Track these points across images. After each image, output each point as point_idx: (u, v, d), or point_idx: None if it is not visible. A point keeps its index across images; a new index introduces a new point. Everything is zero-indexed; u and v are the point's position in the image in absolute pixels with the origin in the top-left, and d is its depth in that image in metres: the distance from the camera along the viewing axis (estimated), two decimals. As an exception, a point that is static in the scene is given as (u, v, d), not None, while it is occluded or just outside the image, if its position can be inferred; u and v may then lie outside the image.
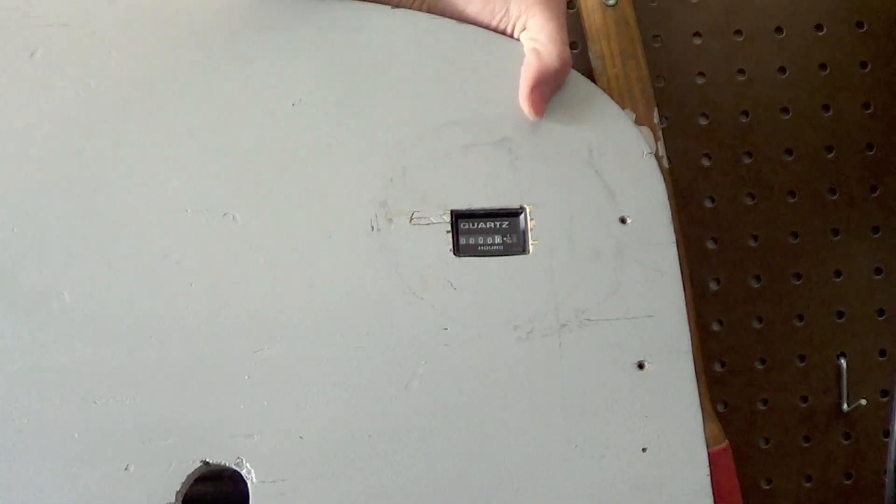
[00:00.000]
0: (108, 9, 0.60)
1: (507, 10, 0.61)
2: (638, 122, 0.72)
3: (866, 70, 0.85)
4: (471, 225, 0.60)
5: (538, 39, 0.61)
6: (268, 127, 0.60)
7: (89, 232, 0.58)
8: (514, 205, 0.60)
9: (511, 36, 0.63)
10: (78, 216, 0.58)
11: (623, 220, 0.61)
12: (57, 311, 0.57)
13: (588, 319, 0.59)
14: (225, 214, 0.59)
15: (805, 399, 0.83)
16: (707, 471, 0.59)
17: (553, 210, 0.60)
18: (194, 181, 0.59)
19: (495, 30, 0.63)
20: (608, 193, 0.61)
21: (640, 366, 0.60)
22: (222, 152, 0.59)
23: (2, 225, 0.57)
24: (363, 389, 0.58)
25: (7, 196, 0.57)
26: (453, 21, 0.62)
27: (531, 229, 0.60)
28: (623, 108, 0.69)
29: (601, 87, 0.67)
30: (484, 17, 0.62)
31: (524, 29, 0.62)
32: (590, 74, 0.71)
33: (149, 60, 0.59)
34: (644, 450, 0.59)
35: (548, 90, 0.61)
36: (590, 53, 0.73)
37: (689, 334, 0.60)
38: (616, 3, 0.73)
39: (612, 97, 0.66)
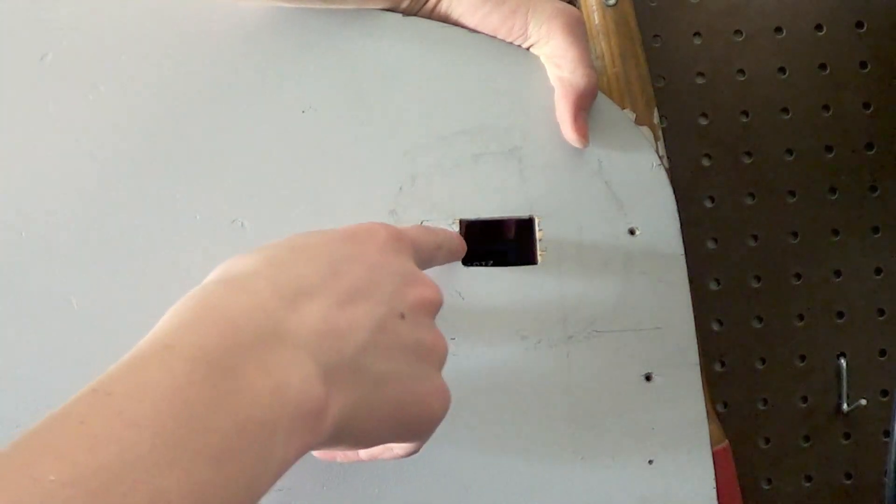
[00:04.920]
0: (119, 13, 0.59)
1: (526, 31, 0.60)
2: (638, 122, 0.72)
3: (866, 70, 0.85)
4: (480, 234, 0.61)
5: (562, 65, 0.60)
6: (277, 133, 0.59)
7: (97, 238, 0.57)
8: (524, 215, 0.60)
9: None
10: (86, 221, 0.57)
11: (632, 232, 0.61)
12: (64, 317, 0.56)
13: (596, 331, 0.59)
14: (233, 221, 0.58)
15: (805, 399, 0.84)
16: (713, 483, 0.59)
17: (562, 220, 0.60)
18: (203, 187, 0.58)
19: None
20: (617, 204, 0.61)
21: (648, 378, 0.60)
22: (231, 158, 0.59)
23: (10, 230, 0.56)
24: (370, 398, 0.58)
25: (15, 200, 0.57)
26: (464, 30, 0.61)
27: (540, 240, 0.60)
28: (623, 108, 0.70)
29: (601, 87, 0.67)
30: (500, 35, 0.61)
31: (543, 51, 0.61)
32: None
33: (159, 65, 0.59)
34: (651, 462, 0.59)
35: (587, 115, 0.61)
36: (590, 53, 0.73)
37: (696, 346, 0.60)
38: (616, 3, 0.73)
39: (612, 97, 0.66)
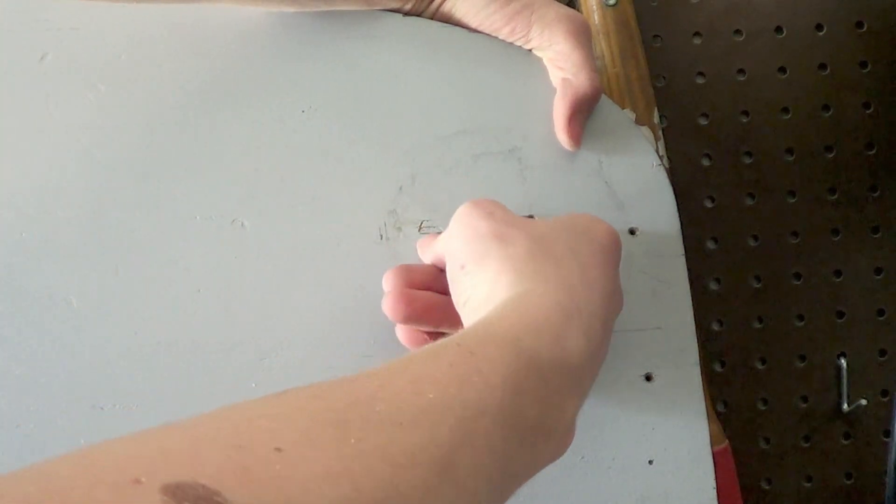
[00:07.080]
0: (118, 13, 0.59)
1: (528, 33, 0.60)
2: (638, 122, 0.72)
3: (866, 70, 0.85)
4: (479, 234, 0.60)
5: (565, 68, 0.60)
6: (277, 133, 0.59)
7: (97, 237, 0.57)
8: (524, 215, 0.60)
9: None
10: (86, 221, 0.57)
11: (632, 232, 0.61)
12: (64, 316, 0.56)
13: (596, 330, 0.59)
14: (233, 221, 0.58)
15: (805, 399, 0.84)
16: (713, 483, 0.59)
17: (562, 221, 0.60)
18: (203, 187, 0.58)
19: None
20: (617, 204, 0.61)
21: (648, 378, 0.60)
22: (231, 158, 0.59)
23: (10, 229, 0.56)
24: (371, 398, 0.58)
25: (15, 200, 0.57)
26: (465, 30, 0.61)
27: (540, 240, 0.60)
28: (623, 107, 0.70)
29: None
30: (501, 35, 0.61)
31: (546, 54, 0.61)
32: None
33: (159, 65, 0.59)
34: (651, 462, 0.59)
35: (583, 118, 0.61)
36: (590, 53, 0.73)
37: (696, 346, 0.60)
38: (616, 2, 0.73)
39: (612, 97, 0.66)
